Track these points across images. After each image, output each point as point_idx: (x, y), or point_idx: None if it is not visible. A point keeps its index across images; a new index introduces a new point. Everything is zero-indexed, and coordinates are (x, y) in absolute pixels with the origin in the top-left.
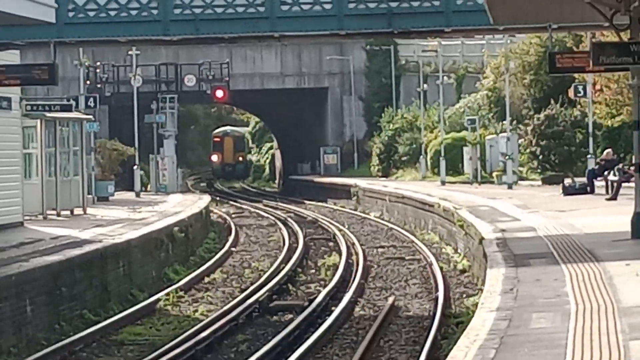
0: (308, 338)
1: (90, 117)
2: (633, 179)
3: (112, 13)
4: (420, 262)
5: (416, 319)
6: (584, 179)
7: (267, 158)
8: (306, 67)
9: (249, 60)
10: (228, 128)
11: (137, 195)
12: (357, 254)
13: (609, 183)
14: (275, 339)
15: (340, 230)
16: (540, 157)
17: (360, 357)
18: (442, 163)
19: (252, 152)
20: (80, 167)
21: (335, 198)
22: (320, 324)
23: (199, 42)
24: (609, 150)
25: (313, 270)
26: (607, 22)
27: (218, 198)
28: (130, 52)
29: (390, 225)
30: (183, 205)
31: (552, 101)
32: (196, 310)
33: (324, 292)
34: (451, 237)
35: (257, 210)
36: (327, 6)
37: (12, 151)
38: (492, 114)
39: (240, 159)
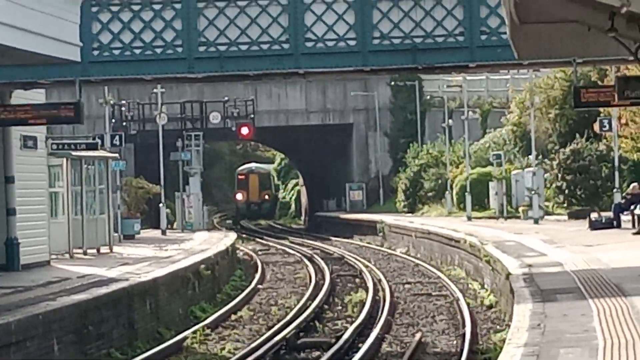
0: None
1: (116, 155)
2: None
3: (137, 51)
4: (447, 298)
5: (443, 355)
6: (611, 214)
7: (293, 195)
8: (331, 104)
9: (274, 97)
10: (253, 165)
11: (163, 233)
12: (383, 290)
13: (636, 217)
14: None
15: (366, 266)
16: (566, 191)
17: None
18: (468, 198)
19: (279, 189)
20: (106, 206)
21: (361, 234)
22: None
23: (224, 79)
24: (635, 184)
25: (340, 307)
26: (631, 56)
27: (244, 235)
28: (155, 90)
29: (417, 261)
30: (209, 243)
31: (578, 135)
32: (223, 348)
33: (351, 328)
34: (478, 272)
35: (283, 247)
36: (352, 42)
37: (39, 190)
38: (517, 149)
39: (267, 197)
